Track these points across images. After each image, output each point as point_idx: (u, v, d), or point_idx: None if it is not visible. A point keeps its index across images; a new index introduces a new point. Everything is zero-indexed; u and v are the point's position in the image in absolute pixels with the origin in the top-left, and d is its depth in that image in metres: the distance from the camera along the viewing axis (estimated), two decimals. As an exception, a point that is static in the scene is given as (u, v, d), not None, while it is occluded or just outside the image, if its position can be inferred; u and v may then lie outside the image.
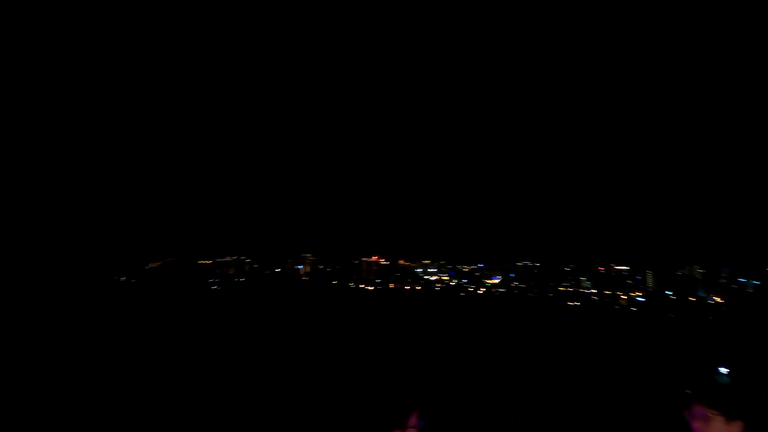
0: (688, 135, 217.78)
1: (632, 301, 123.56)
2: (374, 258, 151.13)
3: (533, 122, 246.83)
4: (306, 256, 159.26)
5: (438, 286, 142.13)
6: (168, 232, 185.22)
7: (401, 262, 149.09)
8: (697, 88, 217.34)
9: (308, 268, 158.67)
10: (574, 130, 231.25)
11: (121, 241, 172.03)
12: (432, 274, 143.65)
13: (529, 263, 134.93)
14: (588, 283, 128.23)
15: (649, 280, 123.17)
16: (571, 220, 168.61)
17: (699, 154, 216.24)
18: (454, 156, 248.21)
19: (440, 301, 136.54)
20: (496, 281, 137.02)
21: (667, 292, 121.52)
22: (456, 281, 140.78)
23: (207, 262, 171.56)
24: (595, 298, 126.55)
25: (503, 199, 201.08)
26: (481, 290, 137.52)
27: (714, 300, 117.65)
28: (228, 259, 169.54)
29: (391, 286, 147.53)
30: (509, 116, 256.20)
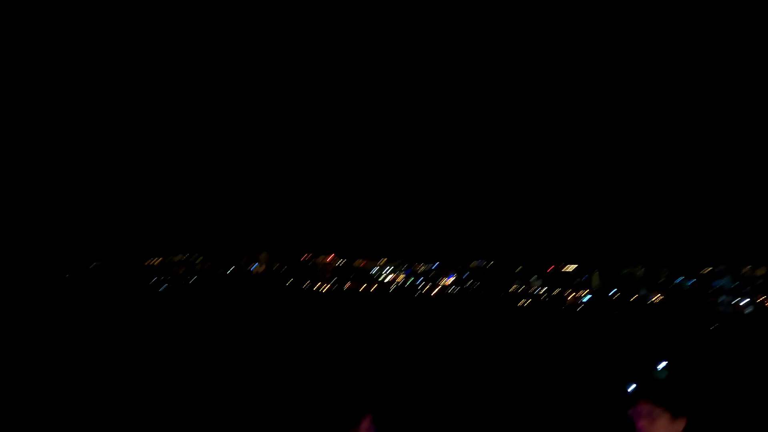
0: (628, 139, 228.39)
1: (578, 299, 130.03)
2: (330, 257, 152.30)
3: (485, 121, 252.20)
4: (261, 255, 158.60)
5: (393, 286, 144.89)
6: (111, 230, 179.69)
7: (357, 261, 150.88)
8: (655, 88, 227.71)
9: (263, 267, 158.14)
10: (523, 131, 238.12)
11: (60, 239, 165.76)
12: (388, 273, 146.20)
13: (483, 263, 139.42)
14: (538, 282, 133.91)
15: (595, 280, 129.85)
16: (522, 222, 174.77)
17: (646, 159, 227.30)
18: (409, 157, 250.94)
19: (395, 301, 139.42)
20: (451, 280, 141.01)
21: (611, 290, 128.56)
22: (411, 280, 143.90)
23: (155, 261, 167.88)
24: (545, 297, 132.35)
25: (457, 199, 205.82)
26: (436, 289, 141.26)
27: (654, 298, 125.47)
28: (179, 257, 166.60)
29: (347, 285, 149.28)
30: (461, 115, 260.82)
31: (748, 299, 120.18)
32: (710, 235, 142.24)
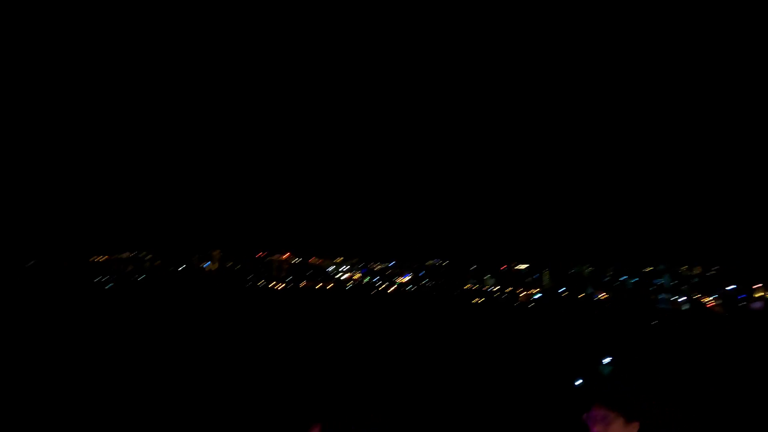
0: (572, 146, 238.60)
1: (530, 297, 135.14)
2: (285, 255, 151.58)
3: (438, 124, 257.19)
4: (214, 253, 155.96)
5: (350, 284, 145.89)
6: (55, 227, 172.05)
7: (313, 259, 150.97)
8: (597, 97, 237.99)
9: (216, 265, 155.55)
10: (474, 135, 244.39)
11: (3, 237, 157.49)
12: (344, 272, 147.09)
13: (438, 261, 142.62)
14: (491, 281, 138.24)
15: (545, 278, 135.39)
16: (476, 222, 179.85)
17: (593, 165, 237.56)
18: (365, 156, 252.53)
19: (352, 300, 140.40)
20: (407, 279, 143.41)
21: (560, 289, 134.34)
22: (368, 279, 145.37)
23: (100, 258, 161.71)
24: (498, 295, 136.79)
25: (412, 199, 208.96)
26: (392, 288, 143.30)
27: (599, 296, 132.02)
28: (126, 255, 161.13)
29: (303, 284, 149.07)
30: (415, 118, 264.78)
31: (685, 297, 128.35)
32: (651, 236, 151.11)
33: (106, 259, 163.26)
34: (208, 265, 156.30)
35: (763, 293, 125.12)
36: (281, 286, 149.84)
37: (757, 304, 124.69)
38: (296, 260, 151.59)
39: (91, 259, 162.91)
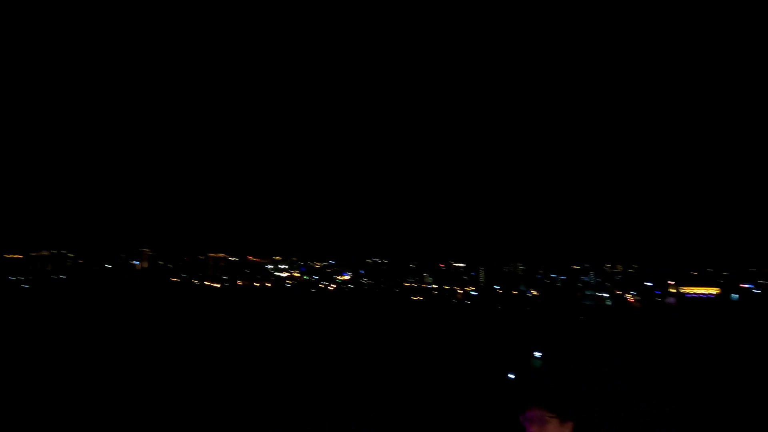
0: (500, 148, 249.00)
1: (467, 294, 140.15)
2: (220, 254, 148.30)
3: (368, 123, 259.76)
4: (144, 251, 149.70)
5: (289, 283, 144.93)
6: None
7: (250, 258, 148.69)
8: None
9: (146, 264, 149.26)
10: (410, 136, 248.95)
11: None
12: (283, 270, 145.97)
13: (378, 260, 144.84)
14: (430, 279, 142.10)
15: (481, 276, 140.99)
16: (416, 222, 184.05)
17: (528, 170, 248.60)
18: (303, 156, 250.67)
19: (291, 298, 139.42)
20: (347, 277, 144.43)
21: (495, 286, 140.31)
22: (307, 278, 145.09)
23: (17, 256, 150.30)
24: (436, 292, 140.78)
25: (352, 198, 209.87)
26: (332, 286, 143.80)
27: (531, 293, 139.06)
28: (45, 253, 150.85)
29: (240, 282, 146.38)
30: (351, 118, 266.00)
31: (608, 294, 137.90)
32: (577, 238, 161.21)
33: (22, 257, 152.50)
34: (138, 264, 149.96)
35: (675, 290, 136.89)
36: (218, 285, 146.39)
37: (671, 300, 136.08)
38: (232, 259, 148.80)
39: (7, 256, 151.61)
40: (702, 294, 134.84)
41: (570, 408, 3.63)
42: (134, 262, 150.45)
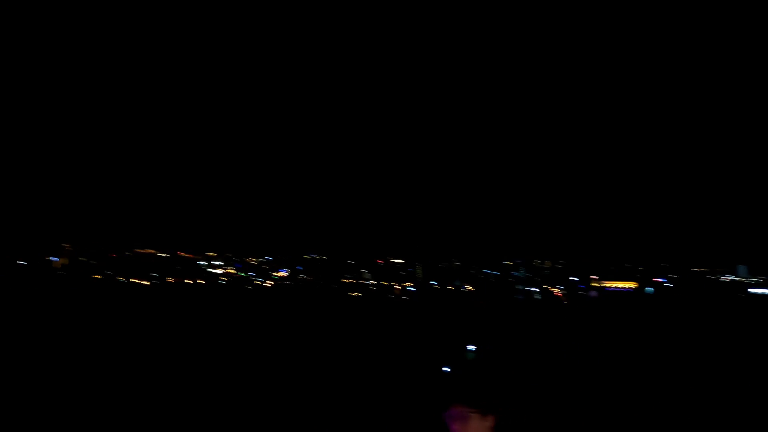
0: (439, 146, 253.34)
1: (405, 290, 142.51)
2: (150, 250, 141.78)
3: (317, 121, 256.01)
4: (64, 246, 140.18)
5: (223, 279, 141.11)
6: None
7: (181, 253, 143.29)
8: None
9: (66, 261, 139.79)
10: (356, 134, 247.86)
11: None
12: (217, 267, 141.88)
13: (315, 256, 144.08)
14: (368, 275, 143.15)
15: (419, 272, 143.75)
16: (353, 218, 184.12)
17: (462, 169, 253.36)
18: (239, 148, 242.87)
19: (227, 295, 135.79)
20: (284, 274, 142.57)
21: (432, 281, 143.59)
22: (243, 274, 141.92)
23: None
24: (374, 288, 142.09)
25: (290, 194, 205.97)
26: (269, 283, 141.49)
27: (466, 288, 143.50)
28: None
29: (170, 279, 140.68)
30: (293, 114, 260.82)
31: (537, 288, 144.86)
32: (508, 234, 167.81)
33: None
34: (57, 260, 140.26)
35: (597, 284, 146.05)
36: (145, 283, 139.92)
37: (593, 293, 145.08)
38: (162, 255, 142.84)
39: None
40: (621, 288, 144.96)
41: (491, 403, 3.60)
42: (53, 258, 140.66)
